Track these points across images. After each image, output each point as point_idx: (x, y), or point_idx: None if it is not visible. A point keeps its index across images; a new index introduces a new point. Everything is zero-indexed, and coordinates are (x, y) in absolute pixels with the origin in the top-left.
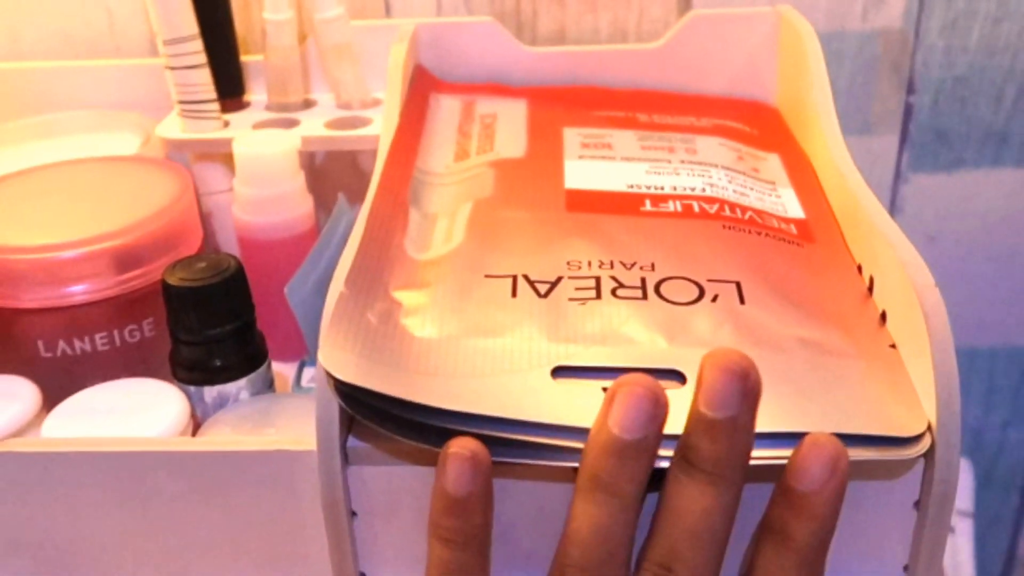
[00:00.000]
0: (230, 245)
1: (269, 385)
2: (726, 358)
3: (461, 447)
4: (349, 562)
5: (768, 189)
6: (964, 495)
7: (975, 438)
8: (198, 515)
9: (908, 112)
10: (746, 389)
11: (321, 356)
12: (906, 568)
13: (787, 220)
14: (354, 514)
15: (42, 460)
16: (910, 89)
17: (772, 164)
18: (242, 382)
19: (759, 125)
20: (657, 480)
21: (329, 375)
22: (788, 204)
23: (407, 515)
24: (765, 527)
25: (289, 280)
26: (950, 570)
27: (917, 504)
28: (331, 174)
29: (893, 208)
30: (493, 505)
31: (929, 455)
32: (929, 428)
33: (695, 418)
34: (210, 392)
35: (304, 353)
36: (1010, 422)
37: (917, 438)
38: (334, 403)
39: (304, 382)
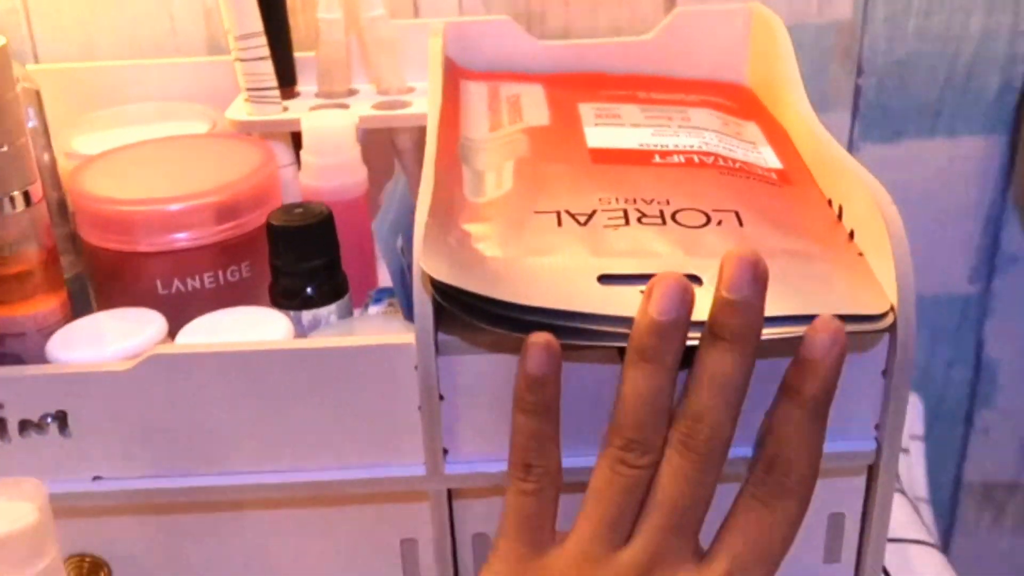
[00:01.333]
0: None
1: (350, 312)
2: (741, 251)
3: (538, 338)
4: (437, 440)
5: (751, 148)
6: (915, 422)
7: (923, 375)
8: (309, 407)
9: (858, 91)
10: (756, 275)
11: (421, 262)
12: (877, 427)
13: (768, 170)
14: (442, 398)
15: (182, 361)
16: (859, 72)
17: (751, 130)
18: (332, 307)
19: (737, 101)
20: (687, 359)
21: (427, 276)
22: (768, 158)
23: (483, 398)
24: (782, 388)
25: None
26: (906, 486)
27: (884, 373)
28: (369, 150)
29: None
30: (561, 383)
31: (892, 330)
32: (892, 309)
33: (719, 301)
34: (306, 315)
35: (367, 291)
36: (952, 362)
37: (883, 316)
38: (430, 302)
39: (371, 313)
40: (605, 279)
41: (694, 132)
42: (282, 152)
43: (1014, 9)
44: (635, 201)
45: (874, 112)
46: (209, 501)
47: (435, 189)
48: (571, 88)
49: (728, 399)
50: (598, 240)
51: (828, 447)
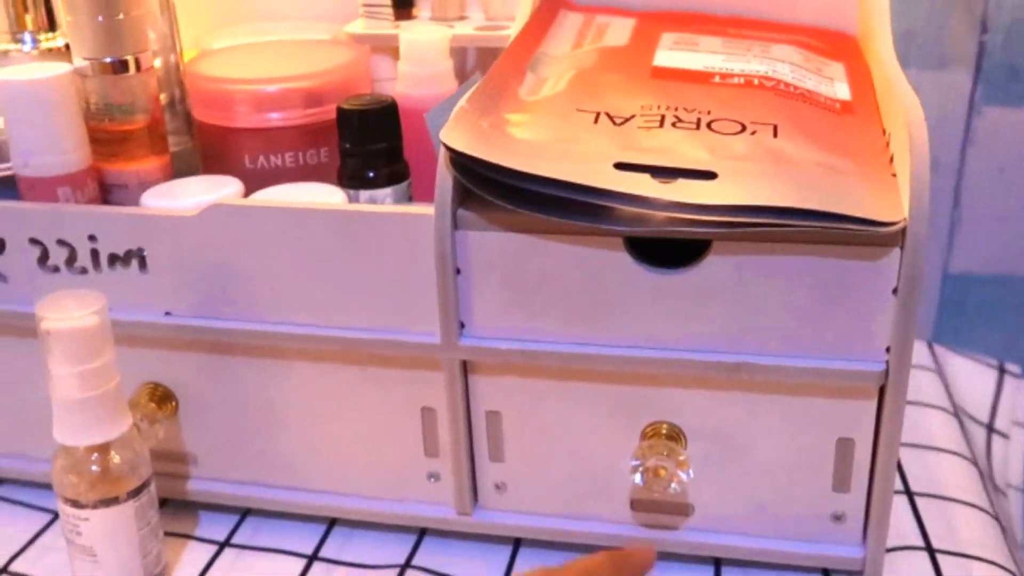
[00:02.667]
0: None
1: (408, 199)
2: None
3: None
4: (452, 311)
5: (825, 81)
6: (1020, 409)
7: None
8: (344, 264)
9: (981, 49)
10: None
11: (442, 135)
12: (888, 350)
13: (833, 100)
14: (458, 272)
15: (237, 211)
16: (983, 28)
17: (835, 69)
18: (387, 190)
19: (832, 44)
20: (687, 251)
21: (447, 147)
22: (839, 92)
23: (499, 275)
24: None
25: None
26: (997, 474)
27: (895, 291)
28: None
29: (966, 139)
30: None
31: (902, 245)
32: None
33: None
34: (364, 195)
35: None
36: None
37: (895, 224)
38: (450, 176)
39: None
40: (621, 166)
41: (767, 62)
42: (388, 66)
43: None
44: (676, 109)
45: (999, 72)
46: (258, 345)
47: (488, 85)
48: (664, 22)
49: None
50: (627, 137)
51: (834, 364)
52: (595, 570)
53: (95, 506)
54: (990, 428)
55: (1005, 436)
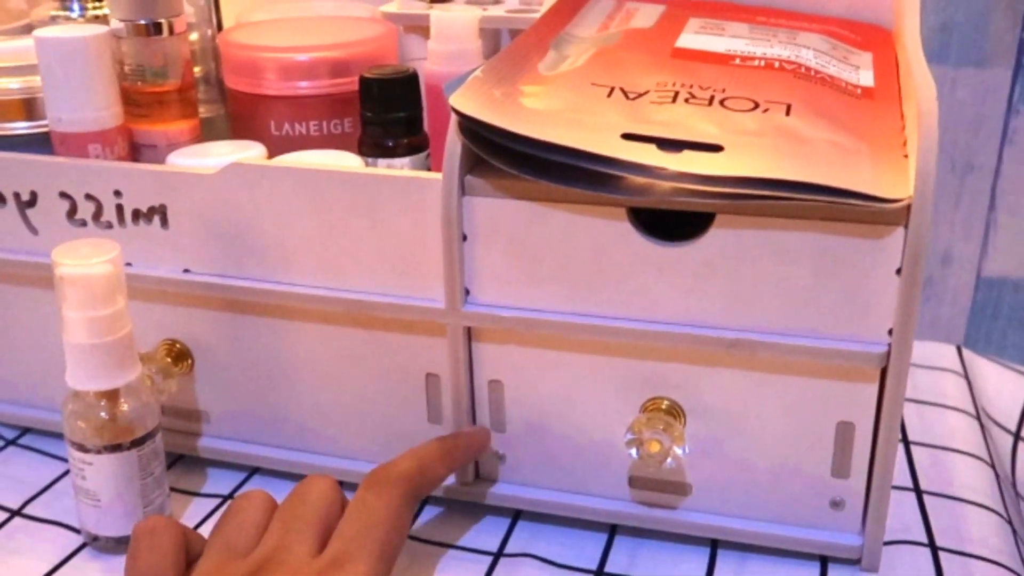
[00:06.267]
0: None
1: (426, 169)
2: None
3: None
4: (457, 277)
5: (850, 69)
6: None
7: None
8: (353, 227)
9: (1021, 47)
10: None
11: (452, 100)
12: (890, 332)
13: (855, 86)
14: (465, 238)
15: (254, 170)
16: None
17: (863, 58)
18: (406, 160)
19: (866, 36)
20: (691, 224)
21: (456, 112)
22: (863, 78)
23: (505, 244)
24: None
25: None
26: (1020, 481)
27: (898, 272)
28: None
29: (1004, 140)
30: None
31: (907, 224)
32: (910, 201)
33: None
34: (382, 163)
35: None
36: None
37: (899, 201)
38: (459, 142)
39: None
40: (628, 137)
41: (792, 47)
42: (419, 45)
43: None
44: (691, 87)
45: None
46: (270, 305)
47: (507, 58)
48: (694, 8)
49: None
50: (638, 111)
51: (835, 345)
52: (426, 456)
53: (100, 451)
54: (1017, 436)
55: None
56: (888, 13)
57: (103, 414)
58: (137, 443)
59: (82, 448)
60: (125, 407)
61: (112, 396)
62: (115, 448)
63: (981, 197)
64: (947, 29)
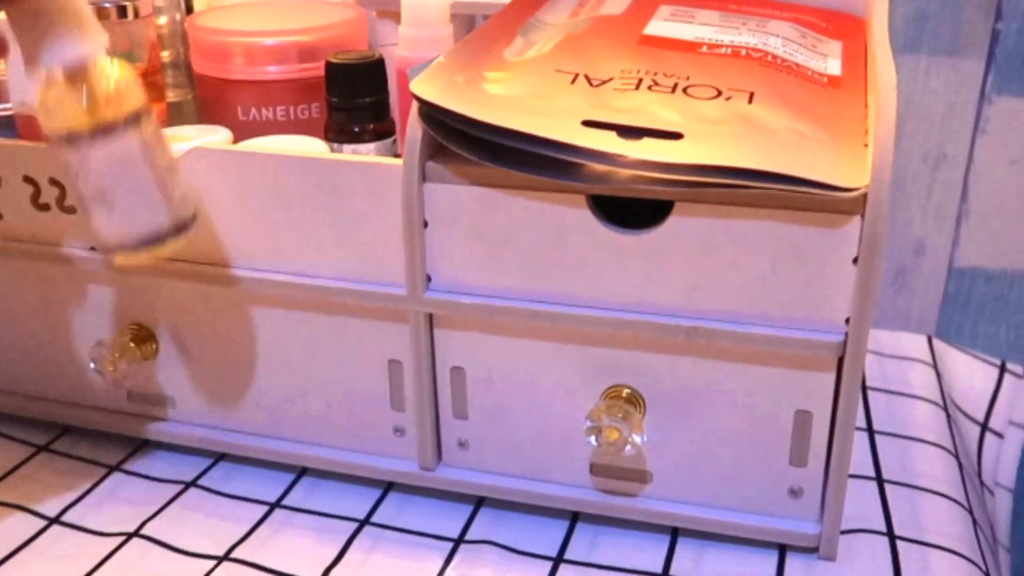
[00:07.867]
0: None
1: (394, 155)
2: None
3: None
4: (419, 264)
5: (817, 57)
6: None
7: None
8: (316, 213)
9: (995, 37)
10: None
11: (412, 86)
12: (847, 321)
13: (821, 74)
14: (426, 225)
15: (216, 155)
16: (997, 15)
17: (832, 46)
18: (371, 145)
19: (838, 25)
20: (650, 212)
21: (416, 97)
22: (830, 67)
23: (464, 228)
24: None
25: None
26: (989, 473)
27: (855, 261)
28: None
29: (976, 129)
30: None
31: (863, 213)
32: (866, 191)
33: None
34: (348, 148)
35: None
36: None
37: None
38: (420, 128)
39: None
40: (589, 124)
41: (760, 35)
42: (391, 31)
43: None
44: (655, 74)
45: (1013, 61)
46: (235, 289)
47: (472, 44)
48: None
49: None
50: (601, 98)
51: (792, 333)
52: None
53: (93, 136)
54: (984, 426)
55: (1000, 435)
56: (861, 1)
57: (83, 94)
58: (132, 122)
59: (74, 140)
60: (102, 82)
61: (81, 74)
62: (108, 130)
63: (953, 187)
64: (921, 18)
